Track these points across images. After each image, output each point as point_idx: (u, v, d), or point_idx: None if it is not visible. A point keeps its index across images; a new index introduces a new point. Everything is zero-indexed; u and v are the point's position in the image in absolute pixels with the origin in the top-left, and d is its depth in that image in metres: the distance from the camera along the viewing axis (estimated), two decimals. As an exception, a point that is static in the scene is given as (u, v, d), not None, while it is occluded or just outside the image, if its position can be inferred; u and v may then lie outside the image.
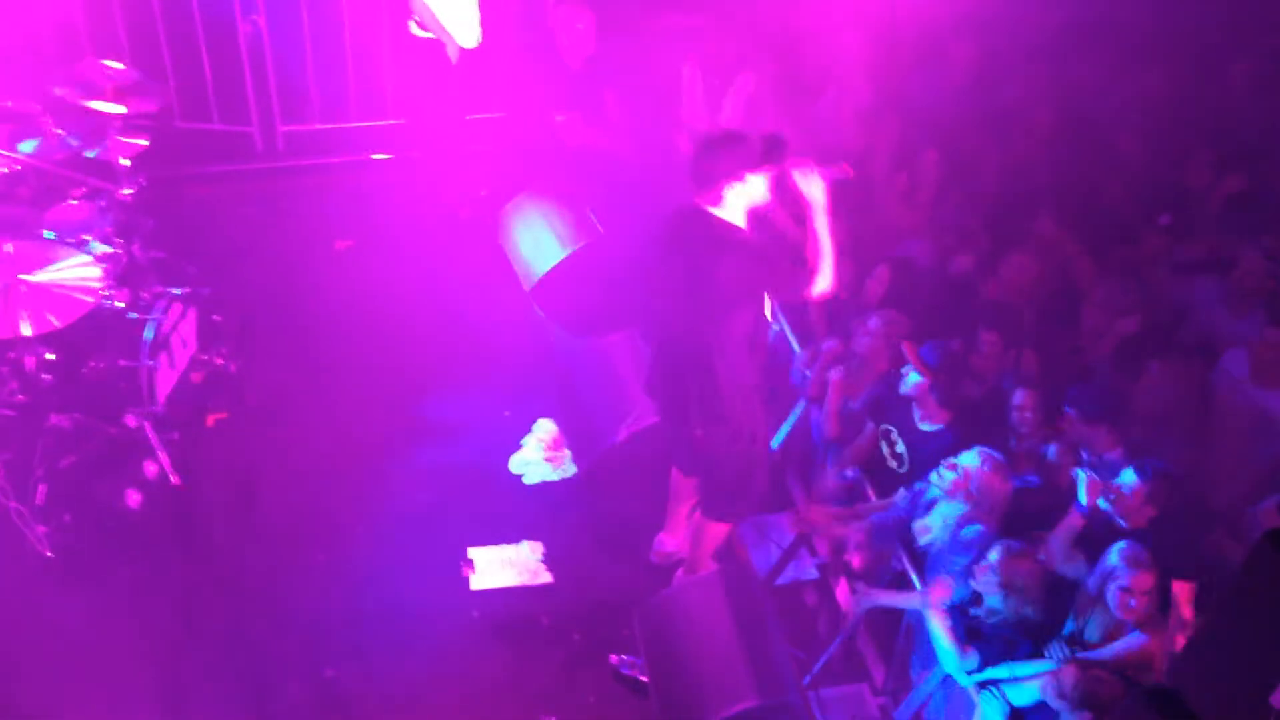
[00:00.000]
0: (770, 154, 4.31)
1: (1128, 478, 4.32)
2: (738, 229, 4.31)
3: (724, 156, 4.25)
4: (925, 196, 6.37)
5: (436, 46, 6.92)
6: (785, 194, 4.43)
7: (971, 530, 4.41)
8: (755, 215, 4.40)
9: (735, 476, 4.75)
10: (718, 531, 4.98)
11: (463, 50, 6.98)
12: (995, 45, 7.27)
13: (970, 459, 4.45)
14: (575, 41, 6.79)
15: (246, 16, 7.49)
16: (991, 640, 4.22)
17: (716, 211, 4.28)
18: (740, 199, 4.28)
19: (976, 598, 4.34)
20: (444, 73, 7.04)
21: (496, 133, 7.23)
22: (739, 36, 7.36)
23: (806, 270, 4.33)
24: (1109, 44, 7.21)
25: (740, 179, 4.24)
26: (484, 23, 7.14)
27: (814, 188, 4.31)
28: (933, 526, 4.54)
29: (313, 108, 7.95)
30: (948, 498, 4.48)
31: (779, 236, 4.63)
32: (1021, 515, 4.52)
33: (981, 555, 4.33)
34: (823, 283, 4.37)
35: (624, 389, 5.51)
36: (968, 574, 4.32)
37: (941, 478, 4.48)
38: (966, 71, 7.16)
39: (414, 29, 6.93)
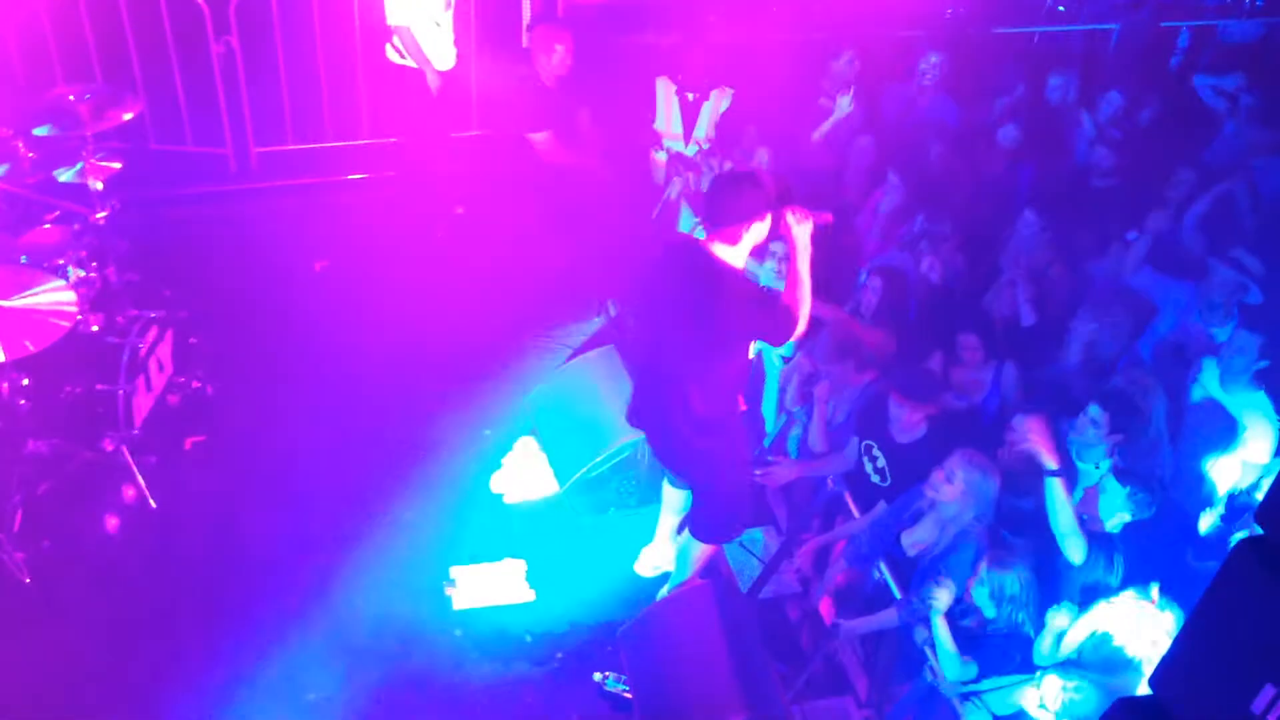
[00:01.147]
0: (783, 197, 4.34)
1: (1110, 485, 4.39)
2: (739, 269, 4.34)
3: (747, 196, 4.25)
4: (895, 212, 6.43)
5: (412, 69, 6.95)
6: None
7: (963, 538, 4.44)
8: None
9: (725, 500, 4.78)
10: (705, 550, 5.00)
11: (438, 72, 7.01)
12: (969, 59, 7.38)
13: (958, 464, 4.48)
14: (552, 62, 6.83)
15: (219, 38, 7.48)
16: (986, 650, 4.25)
17: (725, 250, 4.29)
18: (750, 241, 4.31)
19: (969, 607, 4.37)
20: (419, 93, 7.07)
21: (472, 152, 7.24)
22: (713, 54, 7.41)
23: (792, 315, 4.35)
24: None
25: (760, 219, 4.27)
26: (458, 44, 7.17)
27: (803, 231, 4.35)
28: (922, 537, 4.57)
29: (287, 129, 7.95)
30: (939, 506, 4.52)
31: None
32: (1013, 518, 4.55)
33: (973, 564, 4.36)
34: (802, 326, 4.41)
35: (607, 407, 5.53)
36: (960, 584, 4.34)
37: (936, 487, 4.50)
38: (938, 84, 7.25)
39: (391, 55, 6.95)
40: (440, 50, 7.03)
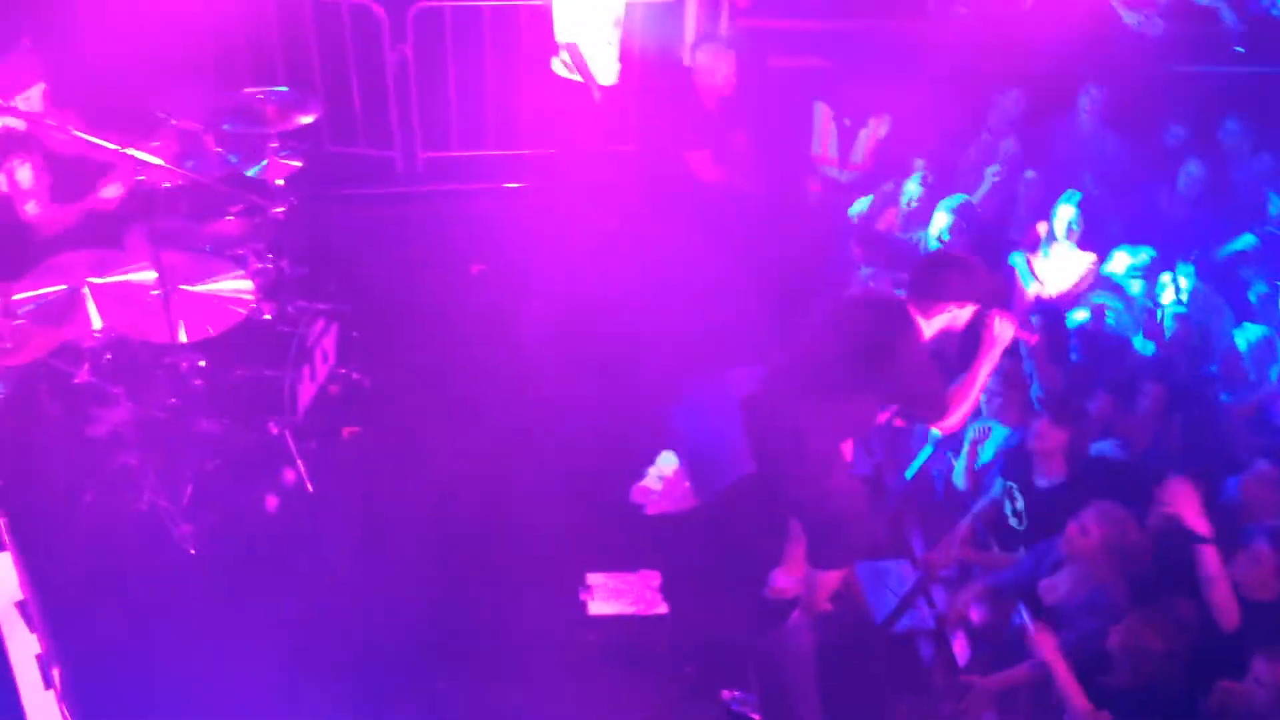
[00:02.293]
0: (994, 297, 4.41)
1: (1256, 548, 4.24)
2: (924, 343, 4.38)
3: (957, 280, 4.31)
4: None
5: (576, 84, 7.12)
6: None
7: (1100, 594, 4.35)
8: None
9: (836, 527, 4.76)
10: (830, 577, 4.99)
11: (602, 87, 7.17)
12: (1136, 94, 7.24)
13: (1093, 518, 4.39)
14: (713, 83, 6.92)
15: (395, 47, 7.79)
16: (1122, 710, 4.14)
17: (920, 321, 4.33)
18: (946, 320, 4.35)
19: (1106, 662, 4.28)
20: (581, 107, 7.24)
21: (630, 166, 7.38)
22: (873, 80, 7.41)
23: (951, 409, 4.40)
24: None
25: (962, 305, 4.31)
26: (623, 60, 7.33)
27: (1003, 337, 4.38)
28: (1060, 587, 4.49)
29: (452, 135, 8.22)
30: (1076, 558, 4.43)
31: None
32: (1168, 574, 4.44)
33: (1111, 620, 4.27)
34: (954, 422, 4.45)
35: (744, 426, 5.55)
36: (1098, 636, 4.25)
37: (1070, 539, 4.43)
38: (1099, 117, 7.12)
39: (557, 67, 7.14)
40: (605, 66, 7.19)
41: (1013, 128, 7.11)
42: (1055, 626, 4.49)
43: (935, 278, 4.34)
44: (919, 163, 6.78)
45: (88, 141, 4.89)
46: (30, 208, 5.39)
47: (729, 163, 7.30)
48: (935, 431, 4.62)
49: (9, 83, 5.42)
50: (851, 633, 4.87)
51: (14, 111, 5.29)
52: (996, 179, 6.81)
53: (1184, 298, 5.71)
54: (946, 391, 4.42)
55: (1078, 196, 6.14)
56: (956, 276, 4.32)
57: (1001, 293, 4.46)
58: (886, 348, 4.32)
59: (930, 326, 4.36)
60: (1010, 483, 5.08)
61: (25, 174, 5.36)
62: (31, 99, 5.43)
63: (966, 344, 4.94)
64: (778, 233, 7.10)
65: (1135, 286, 5.92)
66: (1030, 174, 6.73)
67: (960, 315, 4.36)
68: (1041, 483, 4.97)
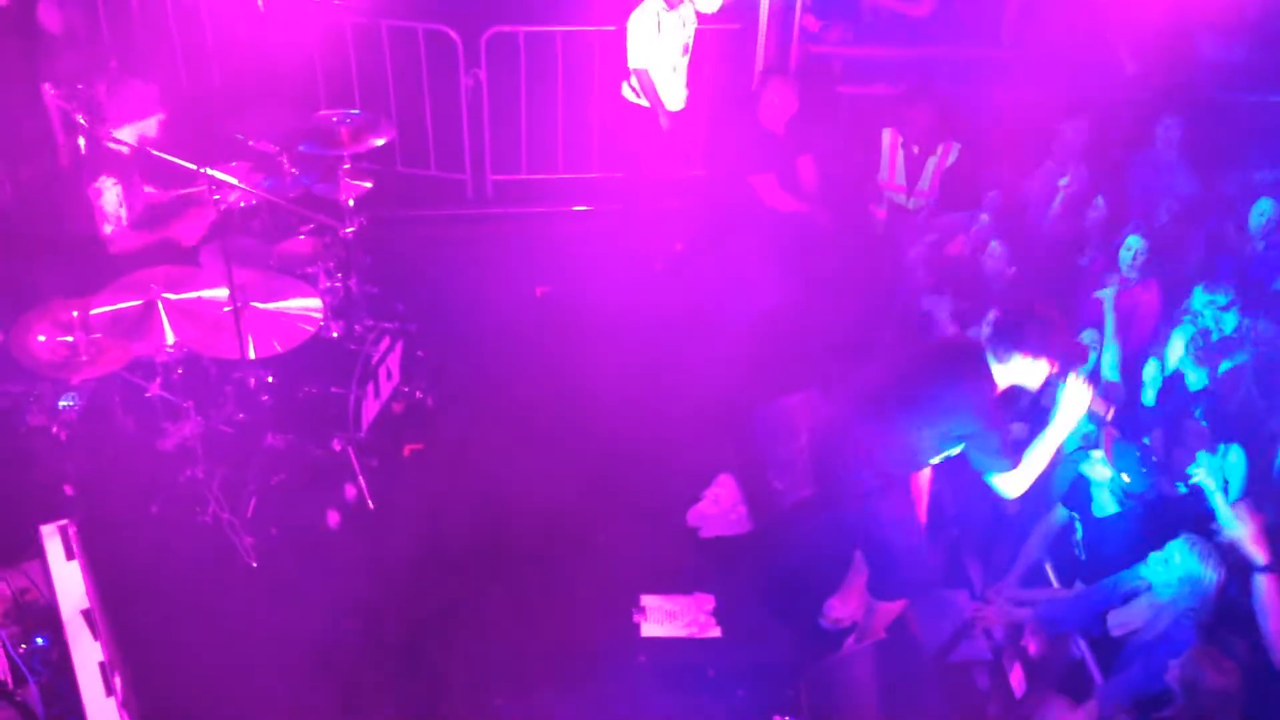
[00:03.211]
0: (1070, 360, 4.37)
1: None
2: (994, 388, 4.37)
3: (1037, 333, 4.28)
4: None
5: (644, 109, 7.19)
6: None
7: (1176, 628, 4.26)
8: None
9: (899, 560, 4.75)
10: (890, 608, 4.96)
11: (670, 113, 7.23)
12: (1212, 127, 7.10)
13: (1179, 549, 4.31)
14: (778, 110, 6.95)
15: (469, 71, 7.92)
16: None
17: (995, 366, 4.33)
18: (1020, 373, 4.33)
19: (1170, 697, 4.19)
20: (649, 132, 7.30)
21: (696, 191, 7.41)
22: (941, 107, 7.37)
23: (1018, 469, 4.38)
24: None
25: (1037, 359, 4.29)
26: (692, 86, 7.38)
27: (1078, 400, 4.34)
28: (1132, 619, 4.41)
29: (522, 159, 8.33)
30: (1155, 590, 4.35)
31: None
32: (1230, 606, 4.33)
33: (1179, 652, 4.18)
34: (1018, 483, 4.42)
35: (804, 451, 5.54)
36: (1165, 670, 4.17)
37: (1154, 571, 4.35)
38: (1179, 151, 6.99)
39: (626, 93, 7.22)
40: (674, 92, 7.25)
41: (1078, 156, 7.00)
42: (1124, 659, 4.42)
43: (1016, 327, 4.31)
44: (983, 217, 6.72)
45: (173, 167, 5.05)
46: (107, 229, 5.55)
47: (795, 188, 7.30)
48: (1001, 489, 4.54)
49: (127, 109, 5.57)
50: (907, 662, 4.80)
51: (114, 139, 5.46)
52: (1065, 190, 6.72)
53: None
54: (1007, 444, 4.38)
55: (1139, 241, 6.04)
56: (1037, 330, 4.28)
57: (1080, 357, 4.40)
58: (957, 386, 4.34)
59: (1004, 375, 4.35)
60: (1074, 513, 5.00)
61: (112, 196, 5.53)
62: (147, 129, 5.59)
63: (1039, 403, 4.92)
64: (843, 258, 7.07)
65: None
66: (1100, 201, 6.63)
67: (1035, 370, 4.32)
68: (1098, 513, 4.89)
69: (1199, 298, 5.73)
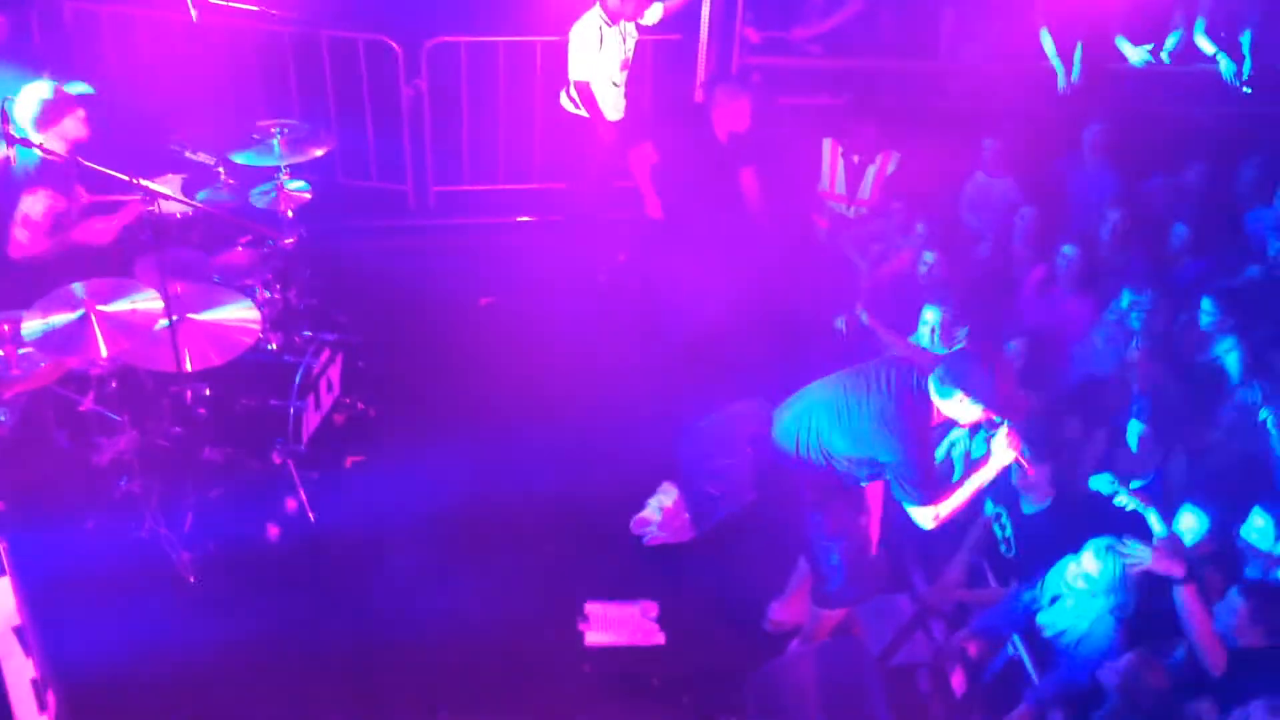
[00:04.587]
0: (1011, 410, 4.36)
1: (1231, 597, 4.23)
2: (928, 421, 4.39)
3: (981, 376, 4.26)
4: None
5: (583, 119, 7.21)
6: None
7: (1099, 626, 4.34)
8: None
9: (846, 569, 4.78)
10: (834, 615, 5.00)
11: (609, 123, 7.25)
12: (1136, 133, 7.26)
13: (1093, 549, 4.39)
14: (728, 119, 6.98)
15: (410, 82, 7.90)
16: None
17: (936, 398, 4.33)
18: (957, 411, 4.32)
19: (1100, 697, 4.26)
20: (590, 142, 7.32)
21: (639, 202, 7.43)
22: (881, 118, 7.47)
23: (935, 504, 4.41)
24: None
25: (974, 400, 4.26)
26: (629, 97, 7.40)
27: (1003, 454, 4.39)
28: (1058, 620, 4.48)
29: (464, 169, 8.32)
30: (1075, 591, 4.43)
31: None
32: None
33: (1108, 655, 4.26)
34: (935, 519, 4.46)
35: (745, 460, 5.57)
36: (1089, 673, 4.25)
37: (1068, 574, 4.43)
38: (1100, 155, 7.14)
39: (565, 103, 7.23)
40: (613, 103, 7.28)
41: (1008, 169, 7.15)
42: (1053, 658, 4.49)
43: (963, 366, 4.31)
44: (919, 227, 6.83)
45: (100, 171, 4.97)
46: (19, 234, 5.42)
47: (738, 199, 7.34)
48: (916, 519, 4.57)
49: (52, 114, 5.45)
50: (849, 664, 4.84)
51: (39, 146, 5.34)
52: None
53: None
54: (929, 478, 4.40)
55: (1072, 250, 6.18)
56: (982, 374, 4.27)
57: (1020, 410, 4.43)
58: (890, 412, 4.35)
59: (940, 409, 4.35)
60: (999, 508, 5.09)
61: (40, 206, 5.41)
62: (68, 130, 5.46)
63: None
64: (785, 267, 7.13)
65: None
66: (1025, 211, 6.76)
67: (971, 411, 4.30)
68: (1028, 509, 4.97)
69: (1126, 298, 5.87)
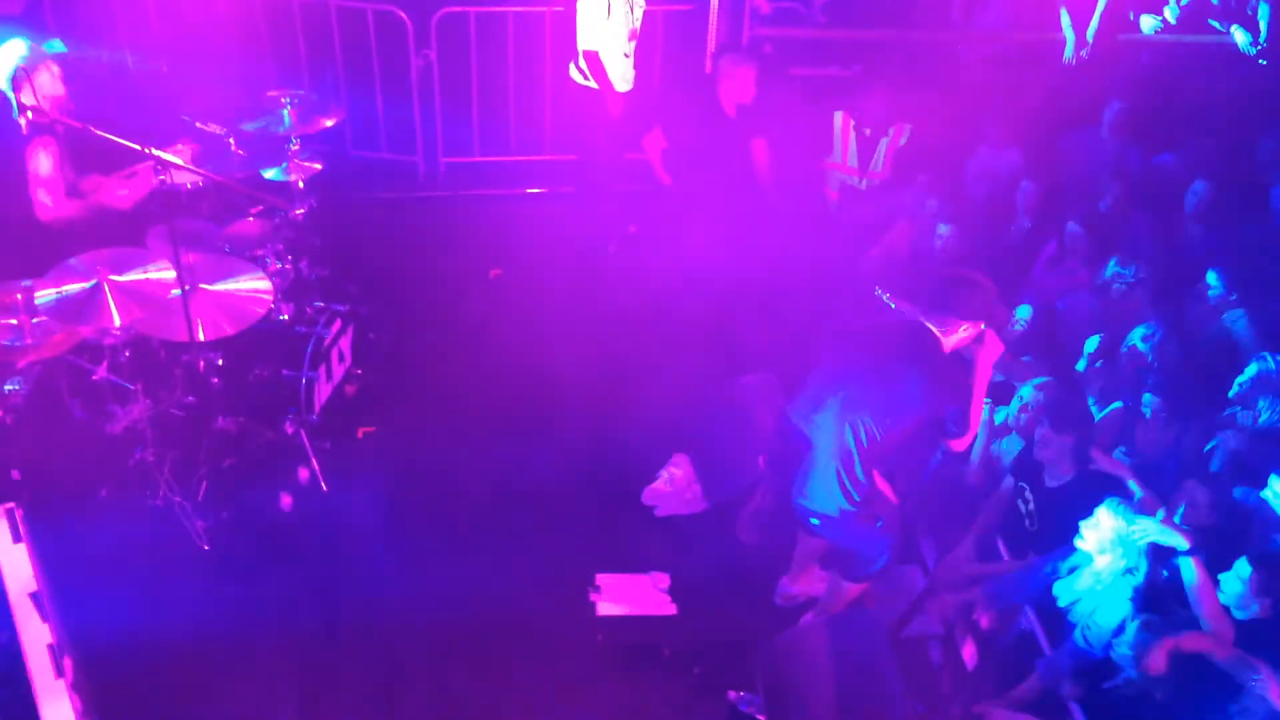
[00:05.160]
0: (997, 315, 4.52)
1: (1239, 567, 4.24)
2: (951, 358, 4.46)
3: (976, 298, 4.40)
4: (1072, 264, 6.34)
5: (594, 91, 7.18)
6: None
7: (1112, 593, 4.34)
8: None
9: (864, 543, 4.79)
10: (854, 588, 5.01)
11: (618, 95, 7.22)
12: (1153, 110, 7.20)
13: (1105, 513, 4.40)
14: (736, 92, 6.95)
15: (419, 52, 7.87)
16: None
17: (941, 336, 4.41)
18: (960, 337, 4.41)
19: (1114, 668, 4.27)
20: (600, 114, 7.29)
21: (649, 174, 7.41)
22: (892, 89, 7.43)
23: (966, 423, 4.47)
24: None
25: (975, 324, 4.38)
26: (638, 68, 7.37)
27: (989, 355, 4.48)
28: (1075, 590, 4.49)
29: (474, 141, 8.29)
30: (1091, 558, 4.44)
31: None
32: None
33: (1122, 622, 4.26)
34: (965, 443, 4.58)
35: (759, 433, 5.58)
36: (1103, 641, 4.25)
37: (1084, 537, 4.43)
38: (1120, 130, 7.09)
39: (574, 74, 7.20)
40: (621, 74, 7.24)
41: (1014, 141, 7.12)
42: (1066, 629, 4.50)
43: (955, 296, 4.39)
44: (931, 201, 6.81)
45: (113, 142, 4.96)
46: (41, 195, 5.42)
47: (749, 171, 7.32)
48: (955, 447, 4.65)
49: (26, 71, 5.41)
50: (860, 636, 4.85)
51: (38, 108, 5.32)
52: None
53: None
54: (958, 416, 4.47)
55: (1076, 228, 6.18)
56: (975, 296, 4.39)
57: (1004, 317, 4.52)
58: (923, 368, 4.39)
59: (948, 344, 4.43)
60: (1022, 483, 5.08)
61: (46, 162, 5.40)
62: (43, 86, 5.41)
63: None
64: (796, 240, 7.11)
65: None
66: (1026, 185, 6.73)
67: (969, 330, 4.41)
68: (1052, 482, 4.97)
69: (1110, 268, 5.85)
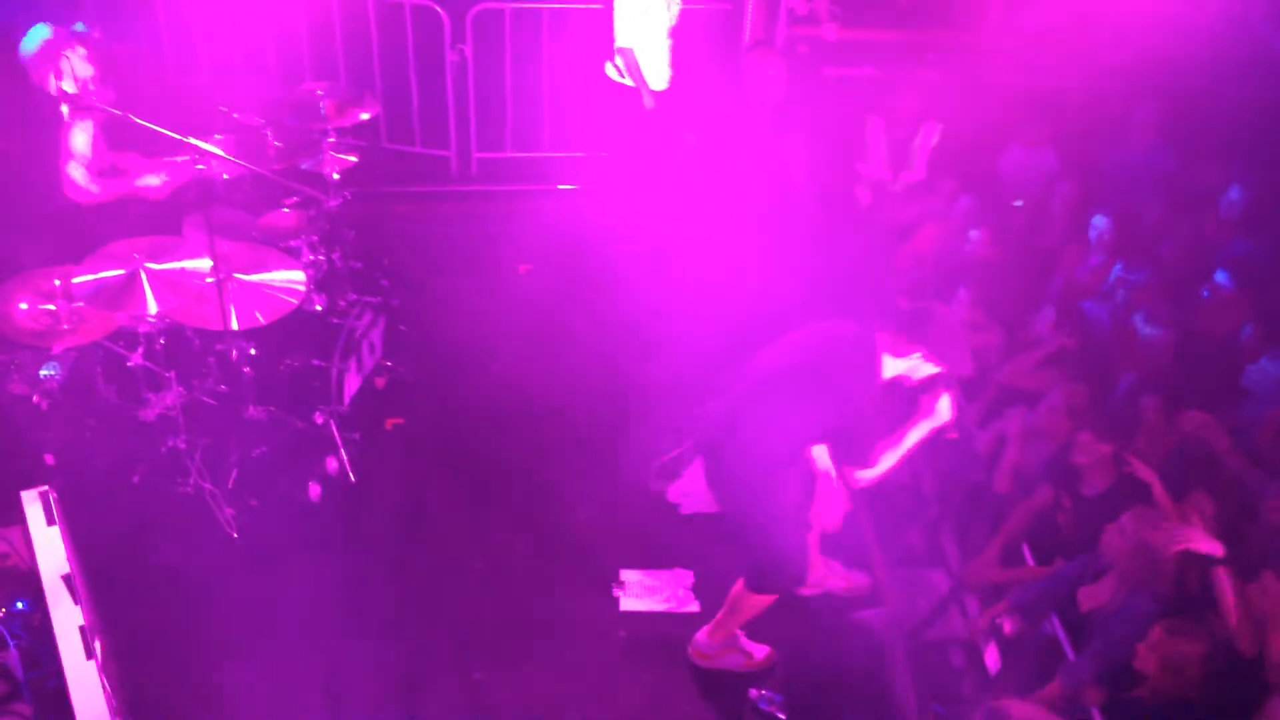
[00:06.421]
0: (956, 369, 4.35)
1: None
2: (878, 380, 4.33)
3: (941, 336, 4.24)
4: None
5: (629, 88, 7.19)
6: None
7: (1134, 599, 4.32)
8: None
9: (779, 553, 4.67)
10: (759, 600, 4.82)
11: (654, 93, 7.23)
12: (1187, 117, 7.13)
13: (1129, 520, 4.37)
14: (764, 88, 6.94)
15: (454, 47, 7.91)
16: None
17: (886, 356, 4.28)
18: (908, 367, 4.29)
19: (1137, 676, 4.24)
20: (634, 112, 7.30)
21: (680, 170, 7.41)
22: (926, 90, 7.40)
23: (874, 456, 4.36)
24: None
25: (927, 360, 4.25)
26: (675, 65, 7.37)
27: (941, 412, 4.34)
28: (1099, 594, 4.47)
29: (507, 136, 8.32)
30: (1113, 561, 4.42)
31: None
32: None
33: (1143, 629, 4.24)
34: (871, 477, 4.42)
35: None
36: (1127, 645, 4.23)
37: (1107, 542, 4.41)
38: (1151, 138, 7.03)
39: (610, 72, 7.21)
40: (658, 71, 7.24)
41: (1048, 141, 7.07)
42: (1089, 635, 4.47)
43: (924, 321, 4.26)
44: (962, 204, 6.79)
45: (151, 131, 5.02)
46: (74, 171, 5.49)
47: (782, 171, 7.30)
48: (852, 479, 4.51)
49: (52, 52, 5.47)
50: (881, 639, 4.86)
51: (74, 95, 5.39)
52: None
53: None
54: (873, 437, 4.35)
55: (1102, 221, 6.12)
56: (942, 335, 4.24)
57: (967, 369, 4.39)
58: (837, 374, 4.29)
59: (892, 365, 4.29)
60: (1059, 491, 5.06)
61: (81, 138, 5.47)
62: (74, 67, 5.46)
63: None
64: (827, 240, 7.09)
65: None
66: (1063, 187, 6.68)
67: (921, 369, 4.27)
68: (1088, 490, 4.95)
69: (1114, 272, 5.81)
